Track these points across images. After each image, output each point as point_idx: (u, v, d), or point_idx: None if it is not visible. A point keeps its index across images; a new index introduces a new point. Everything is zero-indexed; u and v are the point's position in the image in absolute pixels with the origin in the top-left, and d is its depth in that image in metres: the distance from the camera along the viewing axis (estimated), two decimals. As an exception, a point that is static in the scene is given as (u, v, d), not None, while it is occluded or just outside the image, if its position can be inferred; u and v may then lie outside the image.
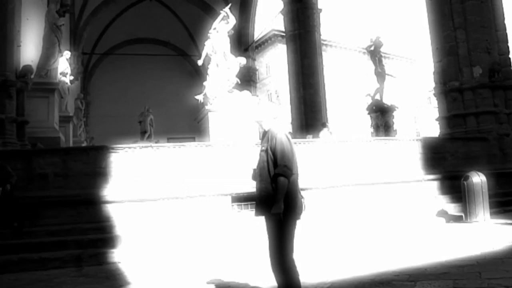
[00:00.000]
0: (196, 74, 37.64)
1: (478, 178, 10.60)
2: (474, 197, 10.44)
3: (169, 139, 31.08)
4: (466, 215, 10.60)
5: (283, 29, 30.01)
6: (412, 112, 55.30)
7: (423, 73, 54.08)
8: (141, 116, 25.83)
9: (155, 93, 33.56)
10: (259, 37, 40.45)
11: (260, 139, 4.72)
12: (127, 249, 8.52)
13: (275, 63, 47.42)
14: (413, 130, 54.31)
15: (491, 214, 10.75)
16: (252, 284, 5.68)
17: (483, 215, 10.40)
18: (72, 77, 20.07)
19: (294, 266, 4.18)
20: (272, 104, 5.34)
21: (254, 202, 10.21)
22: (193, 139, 34.55)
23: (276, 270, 4.15)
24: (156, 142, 24.07)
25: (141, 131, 25.70)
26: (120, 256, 8.34)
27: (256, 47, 40.36)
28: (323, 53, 27.01)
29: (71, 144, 17.41)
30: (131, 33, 34.81)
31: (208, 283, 5.97)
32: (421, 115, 56.68)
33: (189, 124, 34.94)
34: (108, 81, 33.60)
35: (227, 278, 6.14)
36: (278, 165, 4.13)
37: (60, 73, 16.57)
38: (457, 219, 10.89)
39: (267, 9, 53.56)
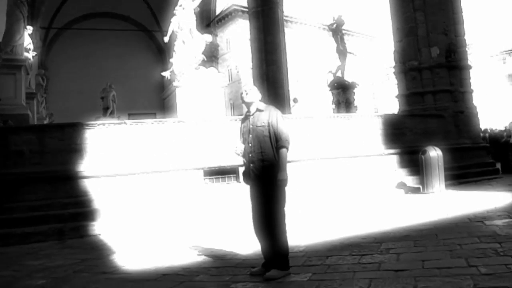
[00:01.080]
0: (157, 50, 37.44)
1: (434, 152, 11.33)
2: (431, 170, 11.18)
3: (130, 115, 30.99)
4: (423, 186, 11.35)
5: (244, 4, 30.11)
6: (370, 88, 56.46)
7: (383, 50, 55.28)
8: (103, 92, 25.64)
9: (117, 68, 32.94)
10: (219, 12, 40.37)
11: (242, 117, 5.15)
12: (107, 222, 8.90)
13: (236, 39, 47.41)
14: (372, 106, 55.54)
15: (446, 185, 11.53)
16: (230, 249, 6.15)
17: (439, 186, 11.17)
18: (35, 53, 19.88)
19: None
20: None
21: (225, 175, 10.75)
22: (154, 115, 34.67)
23: (277, 231, 4.63)
24: (118, 118, 24.23)
25: (103, 107, 25.52)
26: (100, 228, 8.72)
27: (217, 22, 40.29)
28: (286, 29, 27.30)
29: (35, 121, 17.36)
30: (89, 7, 34.11)
31: (190, 248, 6.42)
32: (380, 91, 57.96)
33: (150, 100, 34.93)
34: (67, 57, 32.74)
35: (207, 245, 6.60)
36: (281, 139, 4.70)
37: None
38: (415, 190, 11.64)
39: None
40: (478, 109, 16.13)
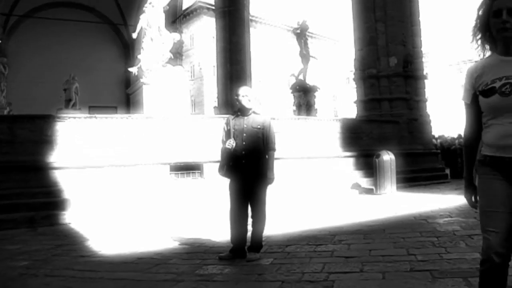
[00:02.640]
0: (122, 44, 37.34)
1: (388, 156, 12.13)
2: (383, 172, 11.99)
3: (91, 108, 31.05)
4: (376, 188, 12.14)
5: (209, 1, 30.45)
6: (331, 90, 57.66)
7: (345, 54, 56.34)
8: (66, 83, 25.59)
9: (80, 60, 32.55)
10: (184, 8, 40.51)
11: (232, 118, 5.54)
12: (77, 212, 9.29)
13: (200, 35, 47.65)
14: (332, 108, 56.76)
15: (397, 187, 12.37)
16: (198, 237, 6.68)
17: (390, 188, 11.99)
18: (0, 42, 19.85)
19: None
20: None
21: (190, 171, 11.21)
22: (115, 108, 34.70)
23: (260, 220, 5.27)
24: (80, 110, 24.34)
25: (66, 99, 25.46)
26: (71, 217, 9.12)
27: (182, 18, 40.44)
28: (251, 29, 27.86)
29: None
30: None
31: (161, 237, 6.91)
32: (340, 94, 59.23)
33: (112, 93, 34.98)
34: (29, 45, 32.13)
35: (176, 234, 7.10)
36: (272, 142, 5.35)
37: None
38: (369, 191, 12.42)
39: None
40: (434, 117, 17.13)
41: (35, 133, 10.41)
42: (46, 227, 8.62)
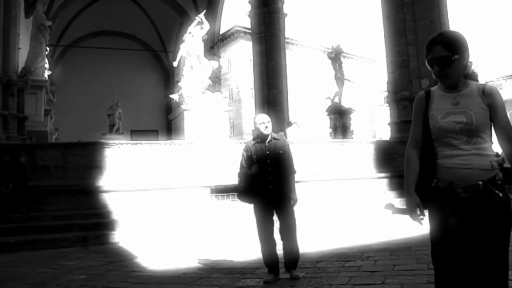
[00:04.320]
0: (162, 70, 38.52)
1: (419, 177, 12.46)
2: (416, 193, 12.30)
3: (133, 132, 32.12)
4: (409, 208, 12.45)
5: (246, 26, 31.28)
6: (369, 111, 57.74)
7: (383, 74, 56.46)
8: (110, 109, 26.70)
9: (120, 86, 33.60)
10: (222, 33, 41.43)
11: (252, 144, 5.74)
12: (124, 232, 10.00)
13: (237, 59, 48.38)
14: (369, 129, 56.75)
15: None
16: (237, 256, 7.23)
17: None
18: (50, 72, 21.08)
19: None
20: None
21: (229, 193, 11.76)
22: (156, 132, 35.65)
23: (294, 239, 5.56)
24: (123, 135, 25.32)
25: (110, 124, 26.53)
26: (119, 237, 9.83)
27: (219, 42, 41.27)
28: (287, 51, 28.51)
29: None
30: (96, 25, 35.01)
31: (202, 255, 7.50)
32: (378, 114, 59.13)
33: (153, 118, 36.02)
34: (73, 73, 33.09)
35: (216, 252, 7.69)
36: (292, 165, 5.68)
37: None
38: (401, 211, 12.71)
39: (231, 6, 54.75)
40: None
41: (86, 159, 11.31)
42: (97, 246, 9.35)
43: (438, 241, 2.71)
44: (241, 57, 46.75)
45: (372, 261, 6.25)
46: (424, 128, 2.78)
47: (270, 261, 5.56)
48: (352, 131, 23.51)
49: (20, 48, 13.35)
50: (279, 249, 5.60)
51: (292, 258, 5.56)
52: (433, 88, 2.84)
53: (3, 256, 8.30)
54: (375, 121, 58.98)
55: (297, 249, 5.60)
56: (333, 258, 6.63)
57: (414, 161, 2.84)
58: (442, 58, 2.63)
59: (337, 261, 6.37)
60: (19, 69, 13.29)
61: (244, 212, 9.53)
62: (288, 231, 5.57)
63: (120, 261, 7.54)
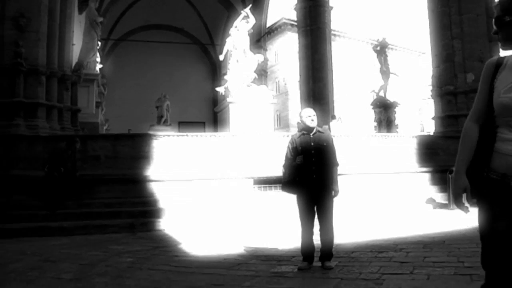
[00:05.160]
0: (210, 63, 38.98)
1: (461, 172, 12.44)
2: (457, 188, 12.30)
3: (180, 123, 32.75)
4: (449, 203, 12.48)
5: (293, 18, 31.42)
6: (417, 104, 56.93)
7: (430, 66, 55.53)
8: (158, 101, 27.31)
9: (168, 78, 34.18)
10: (269, 25, 41.55)
11: (297, 136, 5.96)
12: (170, 219, 10.46)
13: (284, 51, 48.62)
14: (418, 122, 55.96)
15: (472, 203, 12.61)
16: (275, 244, 7.55)
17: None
18: (101, 65, 21.87)
19: None
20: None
21: (272, 185, 12.05)
22: (203, 124, 36.16)
23: (330, 231, 5.77)
24: (169, 125, 25.93)
25: (158, 116, 27.14)
26: (165, 224, 10.29)
27: (266, 34, 41.35)
28: (333, 43, 28.50)
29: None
30: (145, 19, 35.54)
31: (243, 242, 7.84)
32: (426, 107, 58.19)
33: (200, 110, 36.54)
34: (123, 66, 33.88)
35: (257, 240, 8.03)
36: (335, 157, 5.90)
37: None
38: (443, 206, 12.77)
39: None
40: None
41: (134, 149, 11.83)
42: (144, 232, 9.84)
43: (488, 244, 2.34)
44: (288, 49, 46.89)
45: (405, 252, 6.44)
46: (488, 101, 2.38)
47: (307, 250, 5.81)
48: (397, 125, 23.45)
49: (74, 44, 14.03)
50: (316, 239, 5.84)
51: (327, 249, 5.78)
52: (508, 55, 2.40)
53: (57, 239, 8.90)
54: (423, 114, 58.08)
55: (332, 240, 5.82)
56: (368, 249, 6.86)
57: (471, 137, 2.44)
58: (496, 19, 2.36)
59: (371, 252, 6.59)
60: (73, 64, 13.98)
61: (286, 203, 9.86)
62: (326, 222, 5.79)
63: (164, 247, 7.98)
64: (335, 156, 5.96)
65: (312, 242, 5.83)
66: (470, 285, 4.55)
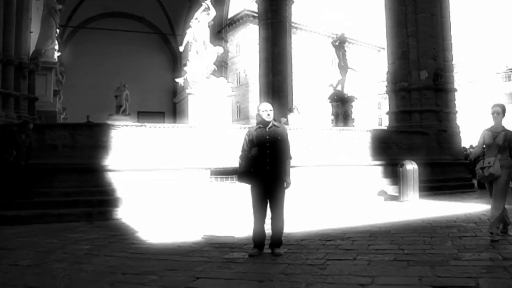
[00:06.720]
0: (170, 53, 38.70)
1: (411, 166, 13.01)
2: (406, 181, 12.88)
3: (140, 113, 32.57)
4: (400, 195, 13.03)
5: (255, 10, 31.54)
6: (376, 98, 58.00)
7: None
8: (117, 91, 27.02)
9: (128, 67, 33.48)
10: (230, 17, 41.50)
11: (254, 129, 6.17)
12: (127, 209, 10.63)
13: (245, 43, 48.61)
14: (377, 116, 57.10)
15: (421, 195, 13.22)
16: (229, 233, 7.81)
17: (412, 196, 12.86)
18: (60, 53, 21.61)
19: None
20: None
21: (228, 176, 12.29)
22: (162, 114, 36.01)
23: (280, 220, 6.03)
24: (128, 115, 25.81)
25: (117, 105, 26.86)
26: (122, 213, 10.48)
27: (228, 26, 41.26)
28: (293, 36, 28.78)
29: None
30: (105, 6, 34.76)
31: (198, 231, 8.08)
32: (385, 102, 59.32)
33: (159, 100, 36.29)
34: (82, 54, 33.09)
35: (211, 229, 8.27)
36: (288, 151, 6.16)
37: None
38: (393, 198, 13.31)
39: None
40: (477, 125, 17.78)
41: (93, 139, 11.88)
42: (101, 221, 10.01)
43: None
44: (249, 41, 46.88)
45: (351, 241, 6.82)
46: None
47: (258, 237, 6.08)
48: (353, 119, 23.95)
49: (32, 32, 13.89)
50: (268, 228, 6.10)
51: (277, 237, 6.07)
52: None
53: (14, 228, 8.96)
54: (382, 109, 59.28)
55: (282, 228, 6.10)
56: (317, 237, 7.21)
57: None
58: None
59: (319, 240, 6.95)
60: (31, 52, 13.86)
61: (242, 193, 10.16)
62: (277, 211, 6.06)
63: (121, 235, 8.16)
64: (289, 149, 6.22)
65: (264, 230, 6.08)
66: (406, 269, 4.92)
